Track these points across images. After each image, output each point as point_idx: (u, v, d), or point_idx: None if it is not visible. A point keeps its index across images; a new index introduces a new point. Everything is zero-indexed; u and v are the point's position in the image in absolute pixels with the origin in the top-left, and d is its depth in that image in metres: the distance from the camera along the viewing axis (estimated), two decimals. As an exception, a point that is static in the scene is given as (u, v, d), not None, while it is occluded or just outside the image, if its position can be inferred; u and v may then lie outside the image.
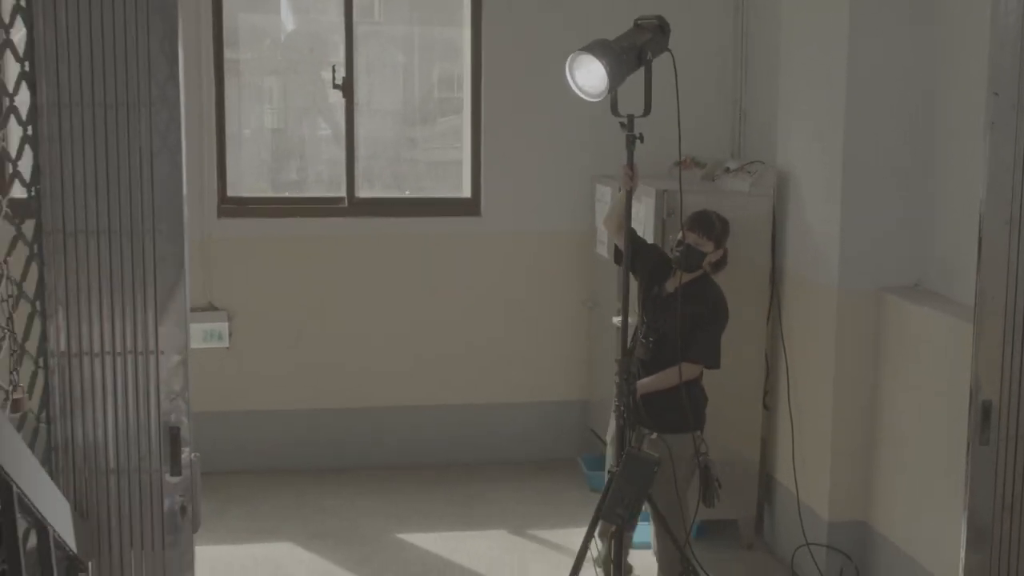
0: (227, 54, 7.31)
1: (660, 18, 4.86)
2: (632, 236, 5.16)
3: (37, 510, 2.24)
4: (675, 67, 4.79)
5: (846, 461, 5.55)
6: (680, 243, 5.21)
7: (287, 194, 7.67)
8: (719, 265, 5.32)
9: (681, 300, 5.09)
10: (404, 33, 8.11)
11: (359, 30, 7.43)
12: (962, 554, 3.48)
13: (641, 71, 4.78)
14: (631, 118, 4.83)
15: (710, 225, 5.25)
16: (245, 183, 7.57)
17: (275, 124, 8.08)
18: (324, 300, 7.41)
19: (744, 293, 5.98)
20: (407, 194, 7.84)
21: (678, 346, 5.04)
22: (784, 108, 6.15)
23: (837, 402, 5.54)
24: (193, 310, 7.15)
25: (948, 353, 4.77)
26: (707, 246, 5.21)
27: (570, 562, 5.03)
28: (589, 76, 4.64)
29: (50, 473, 2.81)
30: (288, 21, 8.02)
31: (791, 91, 6.06)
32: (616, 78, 4.60)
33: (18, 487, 2.04)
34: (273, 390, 7.38)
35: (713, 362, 5.26)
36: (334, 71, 7.31)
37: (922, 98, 5.35)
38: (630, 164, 4.99)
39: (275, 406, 7.38)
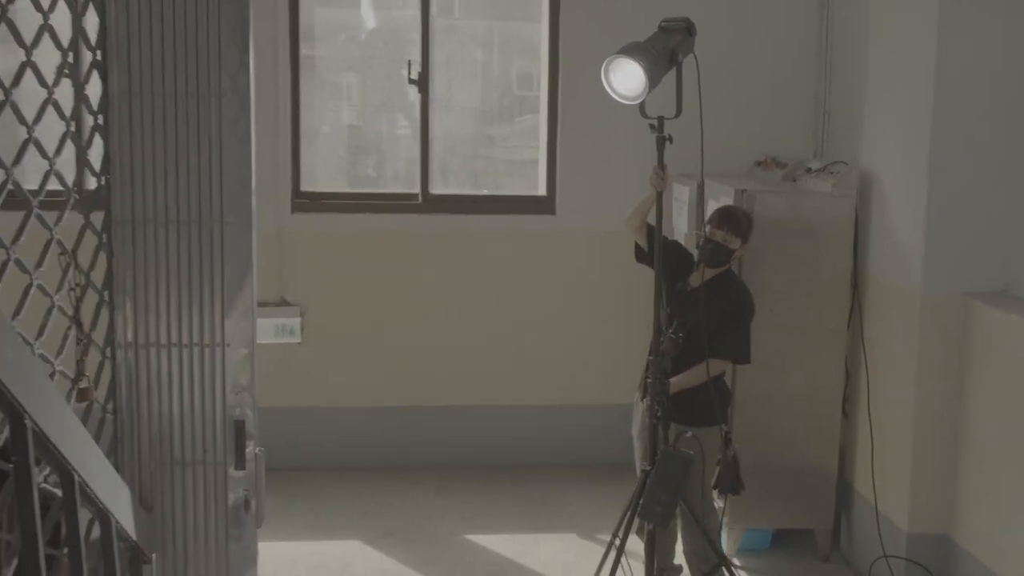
0: (303, 50, 7.36)
1: (687, 20, 4.95)
2: (653, 234, 5.17)
3: (100, 500, 2.24)
4: (698, 68, 4.85)
5: (927, 471, 5.43)
6: (708, 240, 5.25)
7: (361, 190, 7.67)
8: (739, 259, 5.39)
9: (706, 295, 5.12)
10: (483, 29, 8.10)
11: (436, 25, 7.43)
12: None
13: (673, 72, 4.85)
14: (661, 120, 4.88)
15: (737, 222, 5.28)
16: (320, 178, 7.61)
17: (352, 120, 8.11)
18: (397, 296, 7.42)
19: (824, 297, 5.92)
20: (484, 192, 7.83)
21: (705, 342, 5.06)
22: (871, 108, 6.03)
23: (919, 410, 5.42)
24: (265, 304, 7.28)
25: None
26: (735, 243, 5.26)
27: (641, 567, 5.03)
28: (627, 79, 4.70)
29: (115, 465, 2.81)
30: (365, 17, 8.04)
31: (878, 91, 5.94)
32: (654, 79, 4.64)
33: (80, 476, 2.04)
34: (344, 387, 7.41)
35: (743, 358, 5.32)
36: (410, 67, 7.33)
37: (1012, 100, 5.23)
38: (660, 164, 5.04)
39: (346, 403, 7.41)
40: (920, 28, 5.39)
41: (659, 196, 5.13)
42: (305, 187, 7.45)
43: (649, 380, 5.08)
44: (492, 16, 8.09)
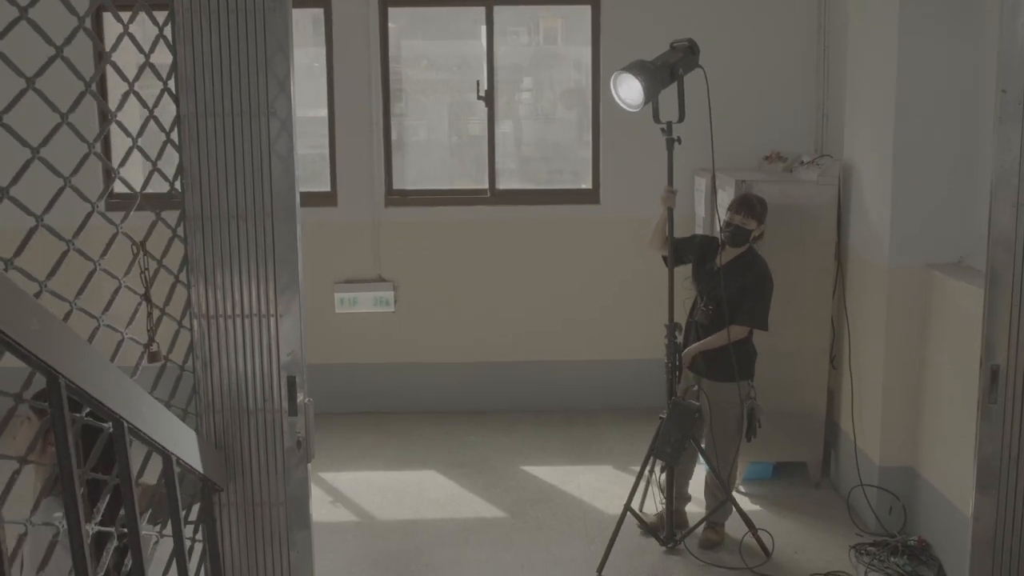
0: (392, 70, 7.40)
1: (691, 40, 4.88)
2: (675, 241, 5.15)
3: (155, 441, 2.28)
4: (706, 80, 4.89)
5: (895, 413, 5.30)
6: (728, 224, 5.15)
7: (441, 187, 7.69)
8: (759, 238, 5.24)
9: (731, 272, 5.09)
10: (541, 52, 8.04)
11: (500, 51, 7.41)
12: (972, 495, 3.28)
13: (674, 86, 4.83)
14: (670, 124, 4.84)
15: (752, 206, 5.17)
16: (409, 178, 7.65)
17: (433, 130, 8.12)
18: (471, 273, 7.45)
19: (813, 268, 5.82)
20: (544, 187, 7.80)
21: (726, 312, 5.01)
22: (849, 108, 5.89)
23: (887, 363, 5.29)
24: (365, 281, 7.37)
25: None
26: (751, 224, 5.15)
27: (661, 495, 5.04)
28: (629, 91, 4.70)
29: (194, 413, 2.88)
30: (442, 46, 8.03)
31: (855, 93, 5.80)
32: (651, 92, 4.65)
33: (128, 422, 2.08)
34: (429, 347, 7.47)
35: (761, 325, 5.18)
36: (478, 86, 7.32)
37: (962, 96, 5.06)
38: (670, 182, 5.02)
39: (430, 359, 7.48)
40: (885, 40, 5.25)
41: (670, 211, 5.09)
42: (396, 186, 7.51)
43: (666, 343, 5.05)
44: (546, 41, 8.03)
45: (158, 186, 2.72)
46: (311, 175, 7.55)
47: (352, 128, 7.33)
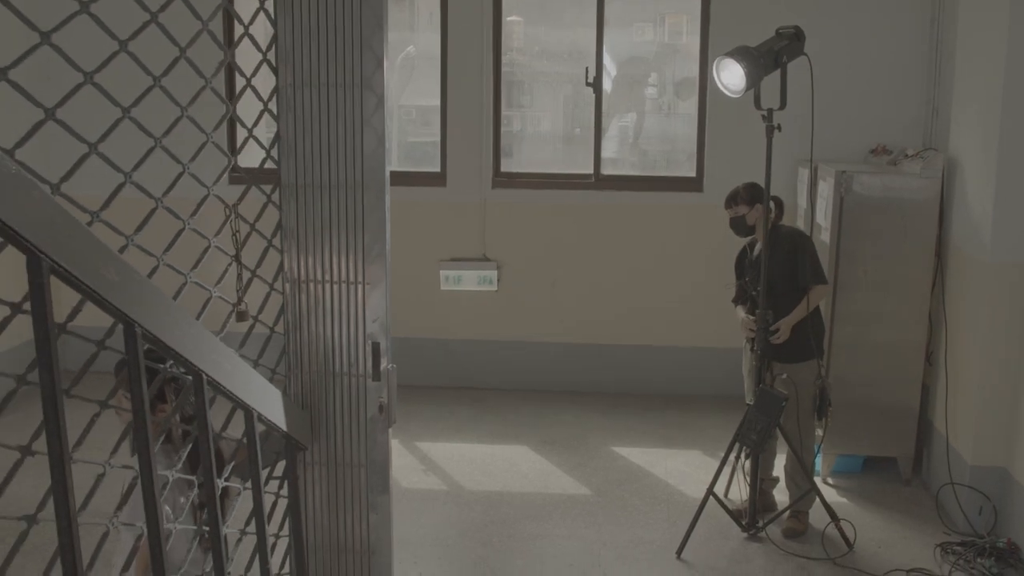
0: (504, 58, 7.38)
1: (797, 27, 4.70)
2: (740, 285, 5.35)
3: (237, 397, 2.30)
4: (811, 69, 4.73)
5: (991, 413, 5.05)
6: (730, 221, 5.18)
7: (547, 171, 7.65)
8: (779, 215, 5.16)
9: (770, 252, 4.94)
10: (650, 39, 7.92)
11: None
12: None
13: (777, 73, 4.71)
14: (771, 111, 4.68)
15: (736, 196, 5.14)
16: (517, 161, 7.63)
17: (542, 115, 8.09)
18: (573, 256, 7.39)
19: (912, 262, 5.61)
20: (649, 174, 7.69)
21: (803, 276, 4.98)
22: (957, 102, 5.63)
23: (985, 361, 5.05)
24: (470, 260, 7.38)
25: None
26: (742, 210, 5.13)
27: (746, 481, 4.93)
28: (732, 76, 4.57)
29: (283, 373, 2.91)
30: (554, 33, 7.97)
31: (962, 86, 5.55)
32: (753, 78, 4.49)
33: (208, 375, 2.09)
34: (530, 325, 7.45)
35: (820, 278, 5.08)
36: (587, 73, 7.24)
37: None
38: (768, 171, 4.89)
39: (531, 338, 7.45)
40: (994, 37, 4.99)
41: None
42: (504, 168, 7.49)
43: (756, 329, 4.95)
44: (656, 31, 7.90)
45: (254, 157, 2.74)
46: (424, 159, 7.58)
47: (464, 114, 7.33)
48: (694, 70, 7.41)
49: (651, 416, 6.86)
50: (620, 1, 7.36)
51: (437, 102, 7.44)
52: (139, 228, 2.01)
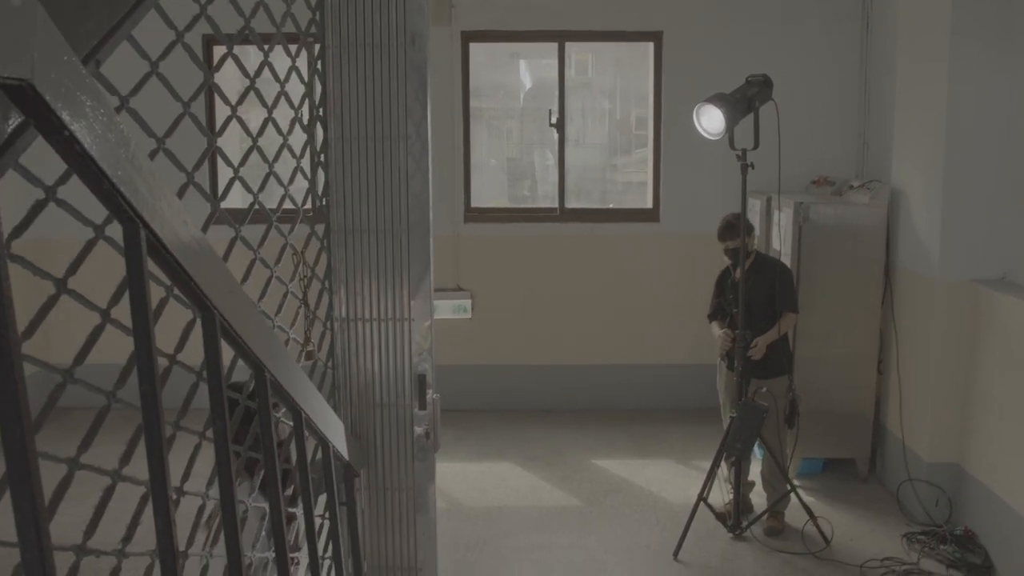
0: (472, 102, 7.44)
1: (765, 76, 4.90)
2: (718, 303, 5.46)
3: (319, 430, 2.31)
4: (778, 112, 4.97)
5: (944, 415, 5.24)
6: (727, 250, 5.21)
7: (514, 205, 7.72)
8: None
9: (754, 276, 5.13)
10: (609, 83, 8.05)
11: (571, 82, 7.43)
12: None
13: (751, 117, 4.90)
14: (744, 151, 4.83)
15: (734, 228, 5.16)
16: (486, 197, 7.69)
17: (509, 154, 8.16)
18: (541, 285, 7.46)
19: (864, 283, 5.79)
20: (609, 206, 7.81)
21: (778, 302, 5.12)
22: (898, 138, 5.83)
23: (938, 370, 5.24)
24: (445, 290, 7.39)
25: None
26: (738, 241, 5.16)
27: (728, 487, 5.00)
28: (711, 120, 4.72)
29: (334, 406, 2.91)
30: (519, 77, 8.07)
31: (903, 125, 5.76)
32: (731, 121, 4.66)
33: (305, 413, 2.11)
34: (503, 350, 7.48)
35: (794, 307, 5.27)
36: (550, 114, 7.34)
37: (1007, 129, 5.01)
38: (743, 206, 5.06)
39: (504, 362, 7.48)
40: (935, 78, 5.21)
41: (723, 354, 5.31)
42: (474, 204, 7.54)
43: (738, 347, 5.07)
44: (616, 75, 8.04)
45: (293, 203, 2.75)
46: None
47: (435, 152, 7.36)
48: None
49: (621, 430, 6.94)
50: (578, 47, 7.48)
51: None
52: (244, 280, 2.03)
